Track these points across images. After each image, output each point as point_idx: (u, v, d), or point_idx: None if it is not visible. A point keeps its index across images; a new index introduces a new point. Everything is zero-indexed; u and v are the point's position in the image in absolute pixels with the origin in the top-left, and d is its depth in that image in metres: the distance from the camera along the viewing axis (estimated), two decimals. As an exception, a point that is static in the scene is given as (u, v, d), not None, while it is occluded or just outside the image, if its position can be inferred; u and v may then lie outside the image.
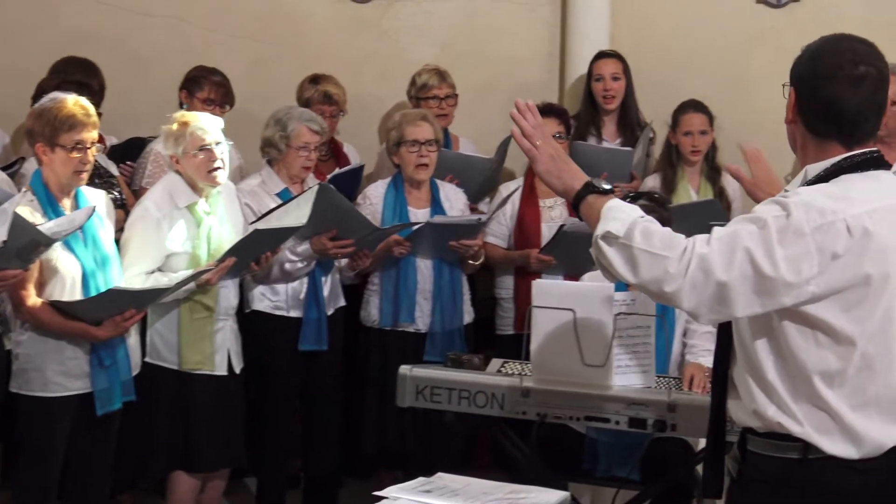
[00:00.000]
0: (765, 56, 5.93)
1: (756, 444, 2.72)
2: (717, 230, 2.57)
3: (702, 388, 4.31)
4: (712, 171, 5.71)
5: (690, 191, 5.66)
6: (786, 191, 2.70)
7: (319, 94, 5.85)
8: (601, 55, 5.98)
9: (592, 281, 4.76)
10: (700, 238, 2.57)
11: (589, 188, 2.75)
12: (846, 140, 2.65)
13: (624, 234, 2.60)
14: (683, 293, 2.54)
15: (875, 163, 2.66)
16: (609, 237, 2.62)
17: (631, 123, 5.93)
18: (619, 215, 2.64)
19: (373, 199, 5.40)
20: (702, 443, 4.42)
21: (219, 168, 4.62)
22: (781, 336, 2.61)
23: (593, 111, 5.97)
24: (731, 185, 5.71)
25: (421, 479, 3.19)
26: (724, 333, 2.80)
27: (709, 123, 5.67)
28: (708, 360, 4.58)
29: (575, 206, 2.77)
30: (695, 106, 5.70)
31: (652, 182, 5.70)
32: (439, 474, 3.24)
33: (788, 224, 2.51)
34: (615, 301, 4.09)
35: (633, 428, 4.04)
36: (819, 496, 2.65)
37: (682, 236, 2.58)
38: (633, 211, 2.66)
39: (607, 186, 2.76)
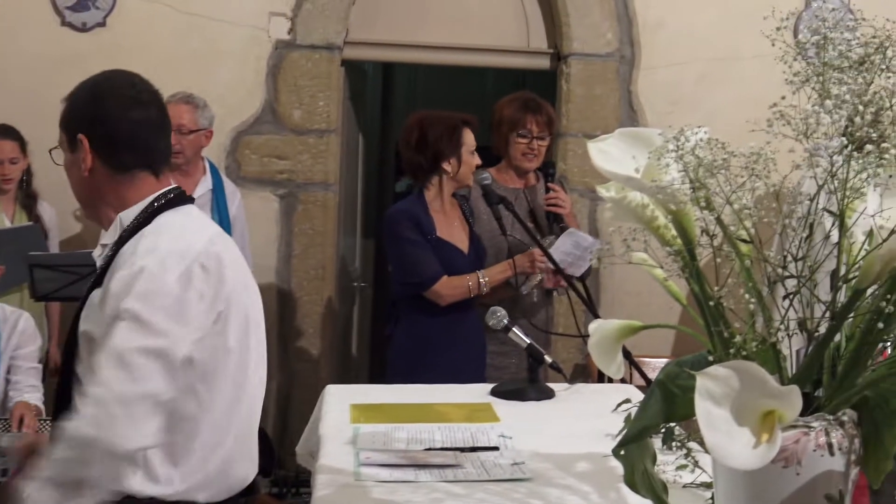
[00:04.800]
0: (73, 80, 5.79)
1: None
2: (99, 360, 2.41)
3: (33, 428, 4.13)
4: (28, 199, 5.42)
5: (5, 219, 5.34)
6: (103, 244, 2.62)
7: None
8: None
9: None
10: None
11: None
12: (151, 165, 2.64)
13: None
14: None
15: (181, 198, 2.68)
16: None
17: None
18: None
19: None
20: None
21: None
22: None
23: None
24: (46, 212, 5.48)
25: None
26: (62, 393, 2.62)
27: (21, 150, 5.36)
28: (34, 397, 4.42)
29: None
30: (4, 132, 5.34)
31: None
32: None
33: (156, 287, 2.44)
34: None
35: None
36: None
37: None
38: None
39: None
